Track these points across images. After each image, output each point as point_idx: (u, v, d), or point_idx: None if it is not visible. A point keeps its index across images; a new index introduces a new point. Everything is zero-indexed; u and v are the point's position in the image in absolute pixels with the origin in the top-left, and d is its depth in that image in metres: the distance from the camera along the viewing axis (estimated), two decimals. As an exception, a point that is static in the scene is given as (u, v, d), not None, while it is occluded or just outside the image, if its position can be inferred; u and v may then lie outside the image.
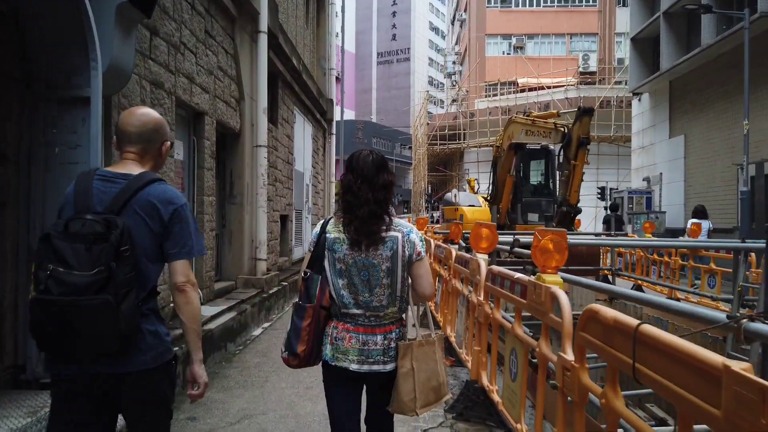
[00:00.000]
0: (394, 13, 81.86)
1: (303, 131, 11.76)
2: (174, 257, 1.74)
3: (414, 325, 2.18)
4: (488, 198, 10.35)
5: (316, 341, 2.10)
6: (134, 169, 1.76)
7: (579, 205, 9.76)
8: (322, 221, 2.19)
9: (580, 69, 32.55)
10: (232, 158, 7.29)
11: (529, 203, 9.93)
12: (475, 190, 11.49)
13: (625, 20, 31.55)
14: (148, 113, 1.84)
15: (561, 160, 8.14)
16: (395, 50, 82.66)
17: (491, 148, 31.60)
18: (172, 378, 1.81)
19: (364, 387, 2.21)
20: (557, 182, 10.19)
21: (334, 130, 15.30)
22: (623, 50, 33.83)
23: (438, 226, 11.03)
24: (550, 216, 10.03)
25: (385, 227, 2.04)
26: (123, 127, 1.79)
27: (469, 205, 9.81)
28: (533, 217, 9.86)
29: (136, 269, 1.64)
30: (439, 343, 2.19)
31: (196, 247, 1.78)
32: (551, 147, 10.09)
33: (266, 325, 6.94)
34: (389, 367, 2.09)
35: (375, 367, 2.07)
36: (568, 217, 8.07)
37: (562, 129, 8.33)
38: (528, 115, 9.35)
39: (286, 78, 9.74)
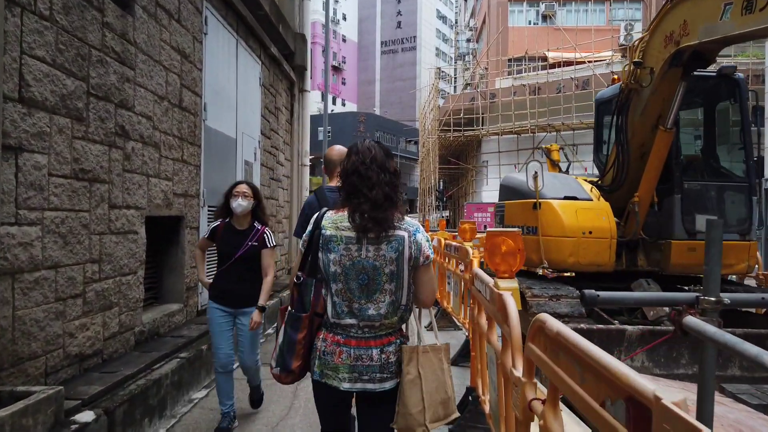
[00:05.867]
0: (399, -1, 76.39)
1: (234, 62, 6.45)
2: None
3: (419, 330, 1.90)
4: (601, 183, 4.97)
5: (309, 353, 1.86)
6: None
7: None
8: (315, 215, 1.87)
9: (622, 41, 27.30)
10: None
11: (696, 194, 4.61)
12: (565, 169, 6.04)
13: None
14: (341, 148, 2.77)
15: None
16: (400, 39, 77.61)
17: (515, 135, 26.57)
18: None
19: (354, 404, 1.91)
20: (751, 148, 4.80)
21: (309, 86, 9.97)
22: (673, 19, 28.51)
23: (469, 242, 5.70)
24: (742, 223, 4.65)
25: (396, 220, 1.76)
26: (329, 159, 2.83)
27: (566, 198, 4.56)
28: (703, 221, 4.54)
29: None
30: (446, 353, 1.87)
31: None
32: (737, 74, 4.80)
33: None
34: (388, 385, 1.79)
35: (369, 386, 1.78)
36: None
37: None
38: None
39: None
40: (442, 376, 1.80)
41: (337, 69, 71.39)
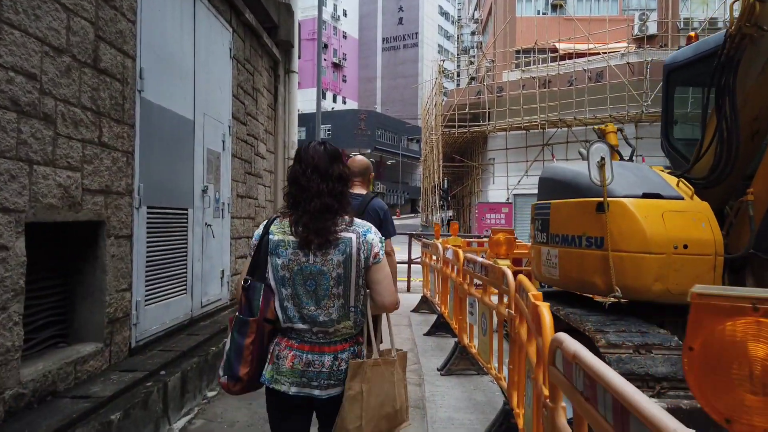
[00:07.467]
0: (400, -5, 74.67)
1: (191, 22, 5.03)
2: (386, 237, 2.58)
3: (376, 339, 1.86)
4: (687, 176, 3.56)
5: (260, 361, 1.79)
6: (362, 190, 3.12)
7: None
8: (265, 221, 1.86)
9: (636, 32, 25.91)
10: None
11: None
12: (629, 156, 4.57)
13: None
14: (363, 159, 3.25)
15: None
16: (402, 35, 76.11)
17: (524, 131, 25.05)
18: None
19: (314, 415, 1.87)
20: None
21: (296, 66, 8.55)
22: (690, 9, 27.02)
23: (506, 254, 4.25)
24: None
25: (342, 226, 1.76)
26: (351, 169, 2.82)
27: (645, 195, 3.25)
28: None
29: None
30: (401, 362, 1.84)
31: (393, 232, 3.03)
32: None
33: None
34: (334, 392, 1.74)
35: (316, 392, 1.74)
36: None
37: None
38: None
39: None
40: (390, 390, 1.75)
41: (337, 66, 69.95)
